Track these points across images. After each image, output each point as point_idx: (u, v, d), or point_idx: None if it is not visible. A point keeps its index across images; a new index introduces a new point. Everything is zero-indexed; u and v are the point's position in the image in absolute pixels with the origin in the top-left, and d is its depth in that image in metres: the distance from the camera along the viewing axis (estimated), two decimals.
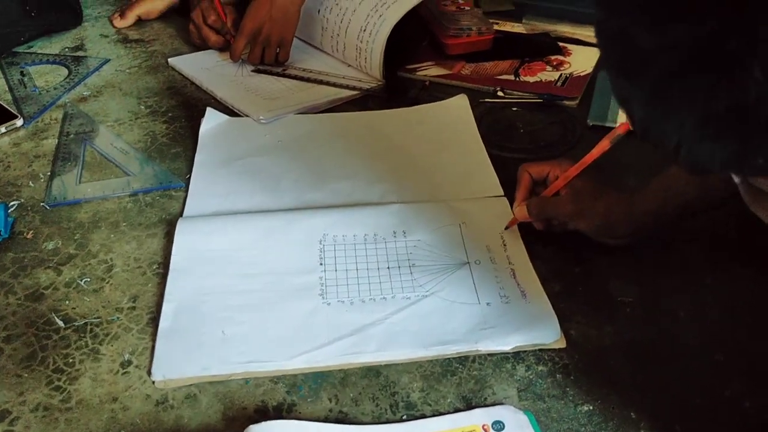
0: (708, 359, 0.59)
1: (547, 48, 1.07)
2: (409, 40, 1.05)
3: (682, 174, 0.64)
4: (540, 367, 0.58)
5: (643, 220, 0.66)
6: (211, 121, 0.91)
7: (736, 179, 0.41)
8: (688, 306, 0.64)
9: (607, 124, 0.89)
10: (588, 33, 1.10)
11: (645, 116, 0.35)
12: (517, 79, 1.00)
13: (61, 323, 0.63)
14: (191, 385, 0.58)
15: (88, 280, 0.68)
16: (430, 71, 1.03)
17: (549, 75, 1.00)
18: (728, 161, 0.34)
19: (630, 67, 0.34)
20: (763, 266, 0.66)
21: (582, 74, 1.00)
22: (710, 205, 0.65)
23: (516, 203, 0.71)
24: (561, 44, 1.08)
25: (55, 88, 1.01)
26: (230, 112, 0.94)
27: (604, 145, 0.63)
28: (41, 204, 0.78)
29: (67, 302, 0.65)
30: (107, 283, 0.68)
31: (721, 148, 0.33)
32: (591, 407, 0.55)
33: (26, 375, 0.58)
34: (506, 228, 0.72)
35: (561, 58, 1.05)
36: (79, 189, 0.81)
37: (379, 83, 1.00)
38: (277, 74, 1.04)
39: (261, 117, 0.92)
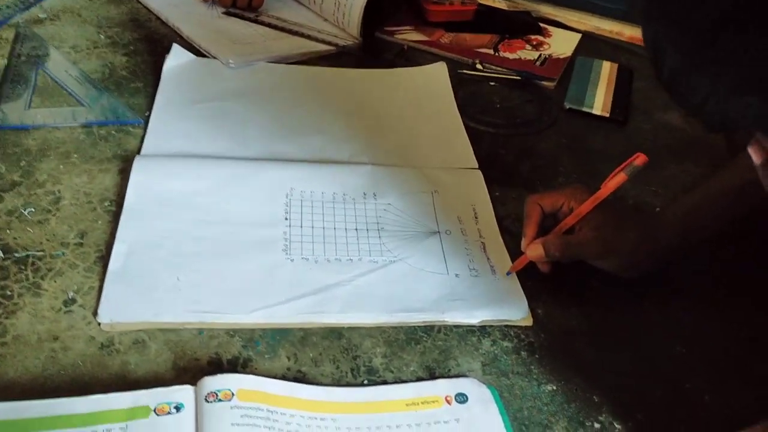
0: (670, 350, 0.59)
1: (528, 27, 1.05)
2: (390, 1, 1.01)
3: (704, 205, 0.61)
4: (505, 343, 0.57)
5: (666, 256, 0.62)
6: (176, 58, 0.86)
7: (758, 161, 0.40)
8: (653, 294, 0.63)
9: (584, 109, 0.88)
10: (569, 16, 1.09)
11: (679, 66, 0.34)
12: (497, 54, 0.98)
13: (0, 253, 0.58)
14: (140, 330, 0.54)
15: (33, 210, 0.63)
16: (409, 36, 1.00)
17: (528, 54, 0.99)
18: (761, 117, 0.32)
19: (676, 10, 0.32)
20: (734, 260, 0.67)
21: (561, 57, 0.99)
22: (729, 232, 0.63)
23: (525, 241, 0.61)
24: (542, 25, 1.06)
25: (7, 7, 0.93)
26: (197, 52, 0.89)
27: (620, 178, 0.57)
28: None
29: (8, 231, 0.60)
30: (53, 215, 0.63)
31: (758, 103, 0.32)
32: (554, 387, 0.54)
33: None
34: (509, 272, 0.62)
35: (541, 38, 1.03)
36: (27, 114, 0.75)
37: (356, 41, 0.96)
38: (250, 19, 0.99)
39: (230, 61, 0.87)
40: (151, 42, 0.91)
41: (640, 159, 0.57)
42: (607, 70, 0.97)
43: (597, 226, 0.59)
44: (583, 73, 0.96)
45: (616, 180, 0.58)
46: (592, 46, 1.04)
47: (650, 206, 0.74)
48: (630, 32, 1.08)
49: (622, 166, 0.58)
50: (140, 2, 0.99)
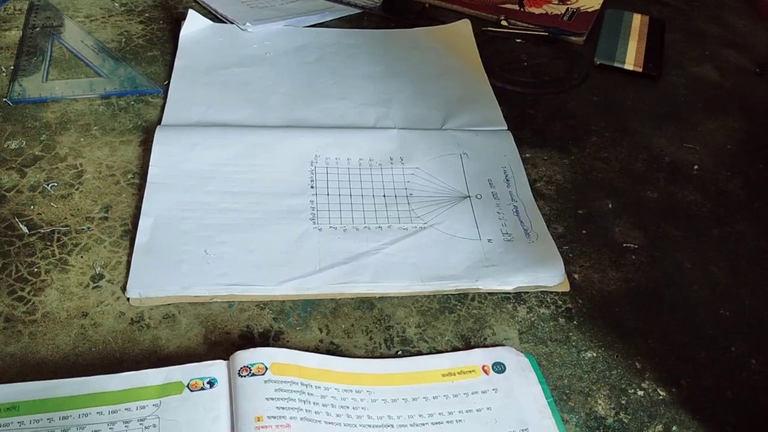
0: (713, 314, 0.57)
1: None
2: None
3: None
4: (542, 310, 0.55)
5: None
6: (193, 25, 0.84)
7: None
8: (693, 257, 0.61)
9: (615, 64, 0.84)
10: None
11: None
12: (522, 9, 0.94)
13: (25, 229, 0.57)
14: (169, 304, 0.53)
15: (56, 185, 0.62)
16: None
17: (555, 8, 0.95)
18: None
19: None
20: None
21: (589, 10, 0.95)
22: None
23: None
24: None
25: None
26: (213, 17, 0.87)
27: None
28: (3, 100, 0.71)
29: (32, 207, 0.59)
30: (77, 189, 0.62)
31: None
32: (594, 354, 0.52)
33: None
34: None
35: None
36: (45, 87, 0.74)
37: (377, 2, 0.93)
38: None
39: (248, 25, 0.85)
40: (166, 9, 0.89)
41: None
42: (637, 22, 0.93)
43: None
44: (613, 26, 0.92)
45: None
46: None
47: (688, 164, 0.72)
48: None
49: None
50: None
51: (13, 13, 0.85)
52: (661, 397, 0.50)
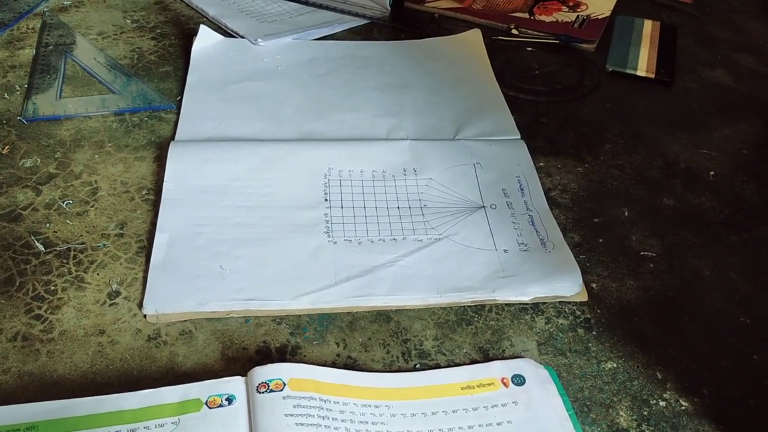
0: (734, 321, 0.56)
1: None
2: None
3: None
4: (560, 321, 0.55)
5: None
6: (205, 40, 0.84)
7: None
8: (711, 264, 0.61)
9: (627, 71, 0.84)
10: None
11: None
12: (532, 17, 0.94)
13: (41, 247, 0.58)
14: (186, 321, 0.53)
15: (71, 202, 0.62)
16: (440, 3, 0.96)
17: (565, 16, 0.95)
18: None
19: None
20: None
21: (600, 17, 0.95)
22: None
23: None
24: None
25: None
26: (224, 32, 0.87)
27: None
28: (18, 118, 0.71)
29: (47, 225, 0.60)
30: (92, 206, 0.62)
31: None
32: (615, 365, 0.52)
33: (3, 301, 0.53)
34: None
35: None
36: (59, 104, 0.74)
37: (385, 12, 0.93)
38: None
39: (259, 39, 0.85)
40: (177, 24, 0.89)
41: None
42: (648, 28, 0.93)
43: None
44: (624, 33, 0.92)
45: None
46: (631, 4, 1.00)
47: (704, 170, 0.71)
48: None
49: None
50: None
51: (26, 31, 0.85)
52: (683, 408, 0.49)
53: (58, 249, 0.58)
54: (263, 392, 0.46)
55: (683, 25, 0.96)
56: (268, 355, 0.51)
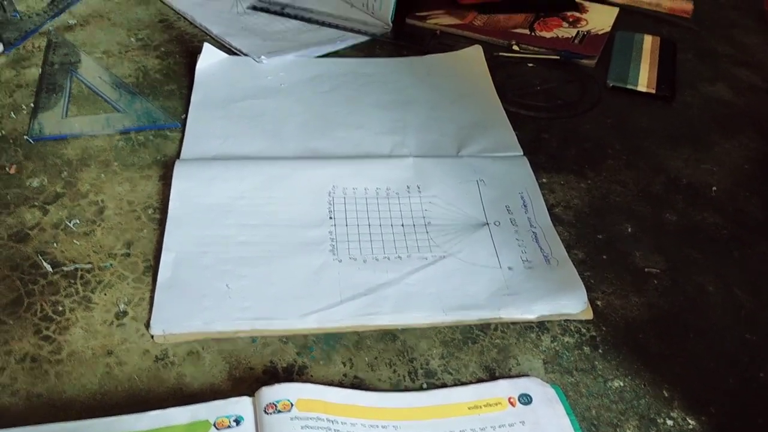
0: (739, 338, 0.56)
1: (564, 3, 1.02)
2: None
3: None
4: (566, 339, 0.55)
5: None
6: (209, 58, 0.85)
7: None
8: (715, 280, 0.61)
9: (628, 86, 0.85)
10: None
11: None
12: (533, 33, 0.95)
13: (48, 267, 0.58)
14: (193, 341, 0.53)
15: (78, 221, 0.62)
16: (441, 20, 0.97)
17: (565, 31, 0.96)
18: None
19: None
20: None
21: (600, 33, 0.95)
22: None
23: None
24: (578, 0, 1.03)
25: (37, 15, 0.93)
26: (227, 50, 0.88)
27: None
28: (24, 137, 0.72)
29: (54, 245, 0.60)
30: (99, 226, 0.62)
31: None
32: (621, 383, 0.52)
33: (11, 322, 0.53)
34: None
35: (578, 14, 1.00)
36: (65, 123, 0.75)
37: (387, 29, 0.94)
38: (276, 12, 0.97)
39: (262, 57, 0.86)
40: (181, 43, 0.90)
41: None
42: (648, 44, 0.94)
43: None
44: (624, 48, 0.92)
45: None
46: (631, 19, 1.01)
47: (706, 185, 0.71)
48: (670, 3, 1.04)
49: None
50: (165, 3, 0.98)
51: (32, 50, 0.86)
52: (691, 426, 0.49)
53: (66, 269, 0.58)
54: (271, 413, 0.46)
55: (683, 40, 0.97)
56: (275, 374, 0.51)
